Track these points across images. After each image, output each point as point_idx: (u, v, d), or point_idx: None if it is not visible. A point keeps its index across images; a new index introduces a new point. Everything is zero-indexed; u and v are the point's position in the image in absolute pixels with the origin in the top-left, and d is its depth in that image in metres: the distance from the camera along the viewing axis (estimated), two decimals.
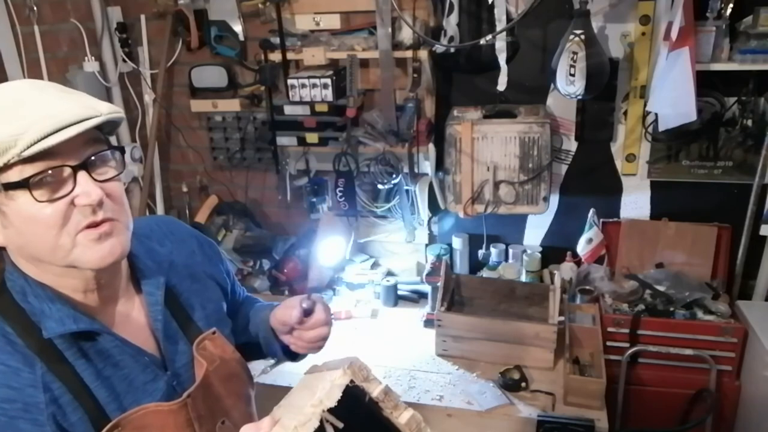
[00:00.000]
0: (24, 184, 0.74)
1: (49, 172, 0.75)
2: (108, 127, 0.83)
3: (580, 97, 1.97)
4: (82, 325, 0.82)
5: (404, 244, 2.51)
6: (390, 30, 2.09)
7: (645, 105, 2.09)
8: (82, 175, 0.77)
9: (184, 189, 2.69)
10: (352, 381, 0.74)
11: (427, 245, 2.51)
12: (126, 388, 0.86)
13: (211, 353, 0.97)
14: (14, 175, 0.74)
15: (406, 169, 2.25)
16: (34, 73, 2.20)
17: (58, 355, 0.81)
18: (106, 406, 0.83)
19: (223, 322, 1.07)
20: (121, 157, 0.84)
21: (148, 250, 0.97)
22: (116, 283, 0.90)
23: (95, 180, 0.78)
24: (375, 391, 0.76)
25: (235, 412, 0.99)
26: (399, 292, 2.41)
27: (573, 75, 1.89)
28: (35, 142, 0.71)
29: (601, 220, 2.27)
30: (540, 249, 2.40)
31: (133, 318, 0.93)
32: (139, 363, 0.88)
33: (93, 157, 0.79)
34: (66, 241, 0.78)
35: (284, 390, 0.88)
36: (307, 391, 0.78)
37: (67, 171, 0.76)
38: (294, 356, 1.13)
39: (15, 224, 0.78)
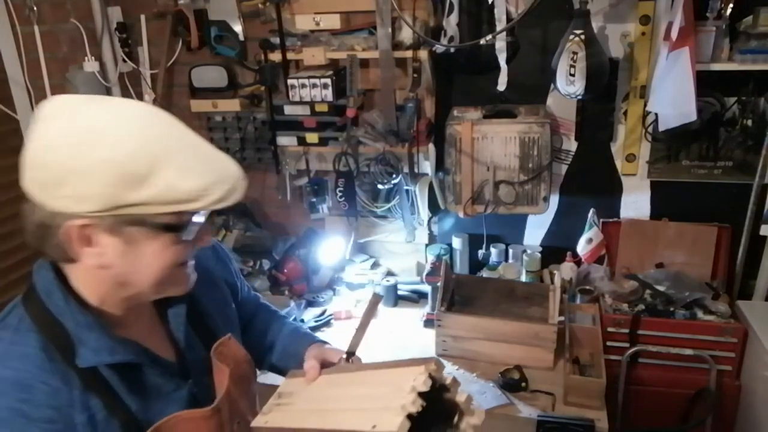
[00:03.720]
0: (177, 228, 0.80)
1: (198, 220, 0.82)
2: None
3: (580, 97, 1.97)
4: (117, 357, 0.82)
5: (404, 244, 2.51)
6: (390, 30, 2.09)
7: (645, 105, 2.09)
8: (206, 225, 0.84)
9: None
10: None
11: (427, 245, 2.51)
12: (154, 398, 0.86)
13: (227, 357, 0.97)
14: (172, 217, 0.78)
15: (406, 169, 2.25)
16: (34, 73, 2.20)
17: (93, 372, 0.80)
18: (138, 417, 0.83)
19: (234, 324, 1.08)
20: None
21: None
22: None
23: None
24: (462, 397, 0.79)
25: (247, 412, 1.01)
26: (399, 292, 2.41)
27: (573, 75, 1.89)
28: (216, 203, 0.78)
29: (601, 220, 2.27)
30: (540, 249, 2.40)
31: (155, 326, 0.94)
32: (164, 373, 0.89)
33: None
34: (169, 272, 0.82)
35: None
36: (388, 385, 0.80)
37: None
38: None
39: (137, 255, 0.79)
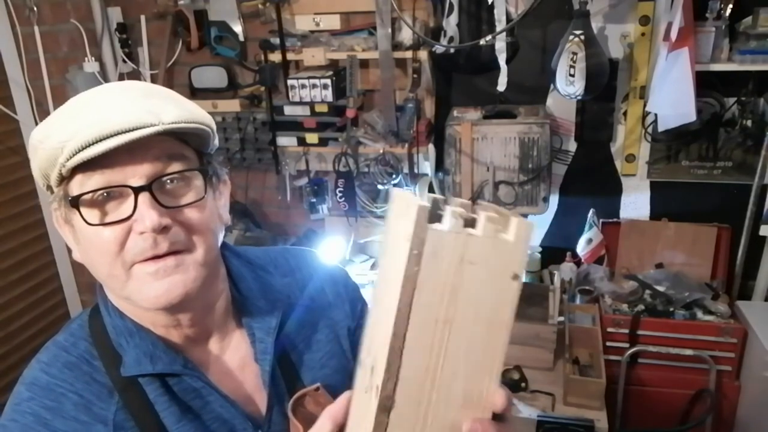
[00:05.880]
0: (74, 202, 0.65)
1: (100, 191, 0.65)
2: (195, 140, 0.72)
3: (579, 98, 1.97)
4: (159, 367, 0.71)
5: None
6: (390, 30, 2.10)
7: (645, 105, 2.10)
8: (144, 198, 0.65)
9: None
10: None
11: None
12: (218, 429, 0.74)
13: (311, 413, 0.78)
14: (75, 187, 0.65)
15: (406, 170, 2.25)
16: (33, 73, 2.20)
17: (138, 391, 0.71)
18: None
19: (339, 375, 0.86)
20: (204, 179, 0.71)
21: (263, 286, 0.83)
22: (207, 321, 0.77)
23: (162, 205, 0.66)
24: None
25: None
26: None
27: (573, 75, 1.89)
28: (76, 152, 0.62)
29: (601, 220, 2.27)
30: (540, 249, 2.40)
31: (225, 361, 0.79)
32: (227, 412, 0.75)
33: (165, 179, 0.67)
34: (120, 271, 0.67)
35: None
36: None
37: (127, 191, 0.65)
38: None
39: (81, 241, 0.69)
